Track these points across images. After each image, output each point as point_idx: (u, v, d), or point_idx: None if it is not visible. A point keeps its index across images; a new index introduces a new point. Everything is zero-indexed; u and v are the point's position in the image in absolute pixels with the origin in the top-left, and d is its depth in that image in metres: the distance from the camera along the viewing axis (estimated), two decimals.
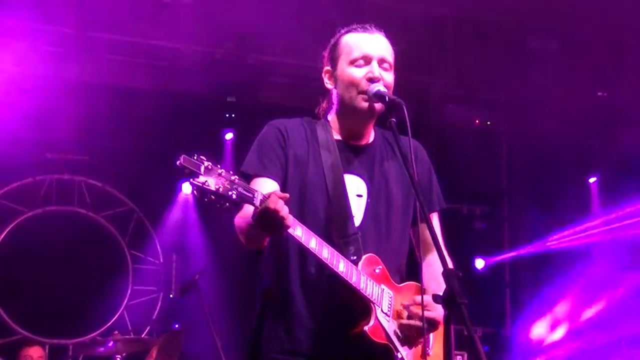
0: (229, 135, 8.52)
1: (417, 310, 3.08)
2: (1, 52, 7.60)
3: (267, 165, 3.17)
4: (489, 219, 9.49)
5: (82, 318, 8.07)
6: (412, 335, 3.14)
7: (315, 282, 3.12)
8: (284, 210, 2.80)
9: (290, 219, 2.84)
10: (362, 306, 3.07)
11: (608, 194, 8.84)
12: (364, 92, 3.18)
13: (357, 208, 3.21)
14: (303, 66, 8.04)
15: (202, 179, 2.68)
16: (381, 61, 3.23)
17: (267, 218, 2.79)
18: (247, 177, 3.09)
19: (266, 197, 2.79)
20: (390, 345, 3.09)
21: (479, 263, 9.04)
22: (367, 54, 3.22)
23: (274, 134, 3.25)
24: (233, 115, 8.51)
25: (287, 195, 2.83)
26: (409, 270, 3.33)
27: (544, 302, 8.63)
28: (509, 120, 9.24)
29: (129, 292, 8.48)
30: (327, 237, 3.05)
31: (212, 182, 2.70)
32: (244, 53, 8.20)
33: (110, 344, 6.59)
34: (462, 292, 2.59)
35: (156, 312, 8.56)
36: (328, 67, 3.32)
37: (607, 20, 7.57)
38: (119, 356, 6.59)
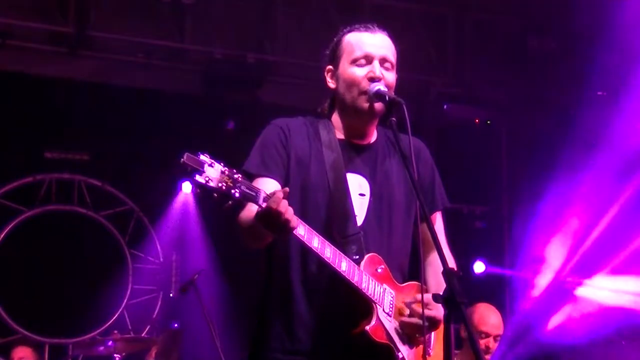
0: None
1: (418, 308, 3.08)
2: (2, 51, 7.60)
3: (269, 164, 3.17)
4: (489, 219, 9.49)
5: (82, 317, 8.06)
6: (413, 335, 3.14)
7: (317, 281, 3.11)
8: (288, 212, 2.79)
9: (295, 220, 2.84)
10: (364, 306, 3.08)
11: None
12: (365, 92, 3.18)
13: (360, 207, 3.20)
14: (303, 66, 8.05)
15: (204, 177, 2.68)
16: (383, 60, 3.22)
17: (271, 219, 2.79)
18: (249, 177, 3.07)
19: (269, 196, 2.79)
20: (392, 345, 3.09)
21: (479, 267, 8.96)
22: (368, 53, 3.22)
23: (276, 133, 3.24)
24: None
25: (287, 189, 2.83)
26: (411, 269, 3.34)
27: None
28: (509, 120, 9.23)
29: (128, 291, 8.47)
30: (329, 236, 3.04)
31: (214, 180, 2.69)
32: (244, 53, 8.20)
33: (110, 343, 6.60)
34: (462, 291, 2.59)
35: (156, 311, 8.55)
36: (330, 66, 3.32)
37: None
38: (119, 355, 6.59)
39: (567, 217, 8.36)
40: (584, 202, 8.14)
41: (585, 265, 8.39)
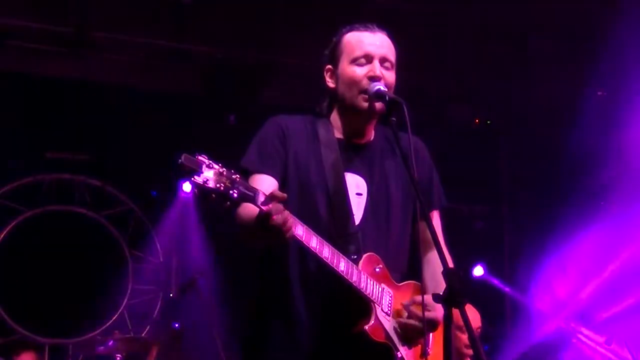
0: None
1: (416, 310, 3.09)
2: (2, 51, 7.60)
3: (267, 161, 3.17)
4: (489, 219, 9.48)
5: (82, 317, 8.06)
6: (412, 335, 3.14)
7: (315, 281, 3.11)
8: (288, 216, 2.79)
9: (294, 223, 2.84)
10: (362, 305, 3.08)
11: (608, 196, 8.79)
12: (365, 91, 3.18)
13: (357, 207, 3.20)
14: (303, 66, 8.03)
15: (202, 177, 2.67)
16: (383, 60, 3.22)
17: (269, 225, 2.78)
18: (247, 173, 3.09)
19: (268, 197, 2.78)
20: (390, 345, 3.10)
21: (478, 270, 8.91)
22: (368, 52, 3.22)
23: (275, 130, 3.24)
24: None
25: (285, 195, 2.82)
26: (409, 269, 3.34)
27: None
28: (510, 120, 9.22)
29: (128, 291, 8.46)
30: (327, 235, 3.04)
31: (213, 181, 2.69)
32: (244, 53, 8.19)
33: (110, 343, 6.60)
34: (462, 291, 2.59)
35: (156, 311, 8.54)
36: (329, 66, 3.31)
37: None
38: (119, 356, 6.59)
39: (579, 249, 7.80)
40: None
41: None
